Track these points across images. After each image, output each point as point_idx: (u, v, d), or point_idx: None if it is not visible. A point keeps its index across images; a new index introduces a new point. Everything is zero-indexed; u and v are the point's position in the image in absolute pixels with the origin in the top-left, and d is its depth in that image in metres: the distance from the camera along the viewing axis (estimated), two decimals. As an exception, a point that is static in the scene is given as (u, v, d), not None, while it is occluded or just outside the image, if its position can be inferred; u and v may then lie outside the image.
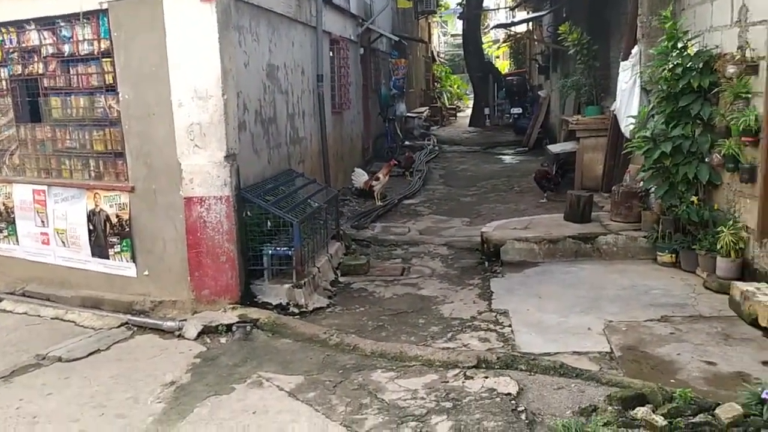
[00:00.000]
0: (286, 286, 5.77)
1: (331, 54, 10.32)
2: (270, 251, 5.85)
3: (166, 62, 5.43)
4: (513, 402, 3.88)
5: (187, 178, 5.53)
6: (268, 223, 5.91)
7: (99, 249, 6.06)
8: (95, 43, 5.78)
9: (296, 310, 5.67)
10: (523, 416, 3.70)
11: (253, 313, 5.45)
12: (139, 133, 5.68)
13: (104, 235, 5.99)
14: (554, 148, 11.46)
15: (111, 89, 5.78)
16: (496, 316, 5.53)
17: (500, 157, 16.37)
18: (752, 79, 5.58)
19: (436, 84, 30.66)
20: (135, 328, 5.48)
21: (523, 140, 17.60)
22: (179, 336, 5.24)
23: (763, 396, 3.49)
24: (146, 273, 5.85)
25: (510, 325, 5.29)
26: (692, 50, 6.41)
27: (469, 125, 23.51)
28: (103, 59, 5.77)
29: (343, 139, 11.31)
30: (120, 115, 5.75)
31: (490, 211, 9.87)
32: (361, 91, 13.28)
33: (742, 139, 5.64)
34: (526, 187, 11.37)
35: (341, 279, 6.71)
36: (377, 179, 10.41)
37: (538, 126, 16.93)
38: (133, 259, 5.89)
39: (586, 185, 9.82)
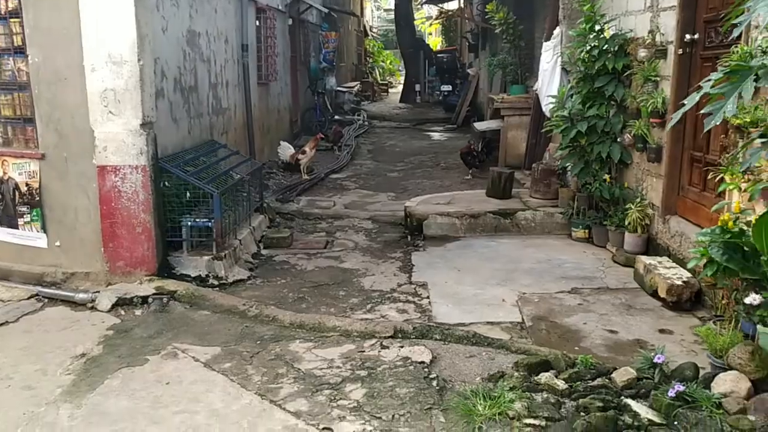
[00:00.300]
0: (206, 258, 5.70)
1: (257, 23, 10.11)
2: (189, 223, 5.76)
3: (79, 24, 5.20)
4: (426, 370, 3.99)
5: (100, 146, 5.35)
6: (188, 194, 5.80)
7: (8, 219, 5.80)
8: (2, 1, 5.46)
9: (216, 282, 5.62)
10: (434, 383, 3.81)
11: (170, 285, 5.37)
12: (49, 98, 5.43)
13: (13, 204, 5.74)
14: (480, 125, 11.67)
15: (20, 51, 5.49)
16: (415, 289, 5.65)
17: (429, 133, 16.55)
18: (661, 63, 5.84)
19: (368, 59, 30.55)
20: (46, 300, 5.30)
21: (452, 117, 17.83)
22: (92, 308, 5.11)
23: (655, 360, 3.73)
24: (58, 244, 5.65)
25: (428, 297, 5.41)
26: (608, 33, 6.63)
27: (400, 101, 23.62)
28: (11, 19, 5.46)
29: (269, 112, 11.16)
30: (29, 79, 5.48)
31: (416, 186, 10.00)
32: (289, 63, 13.10)
33: (651, 120, 5.91)
34: (453, 163, 11.56)
35: (264, 252, 6.68)
36: (303, 153, 10.35)
37: (466, 104, 17.16)
38: (44, 229, 5.68)
39: (509, 163, 10.07)
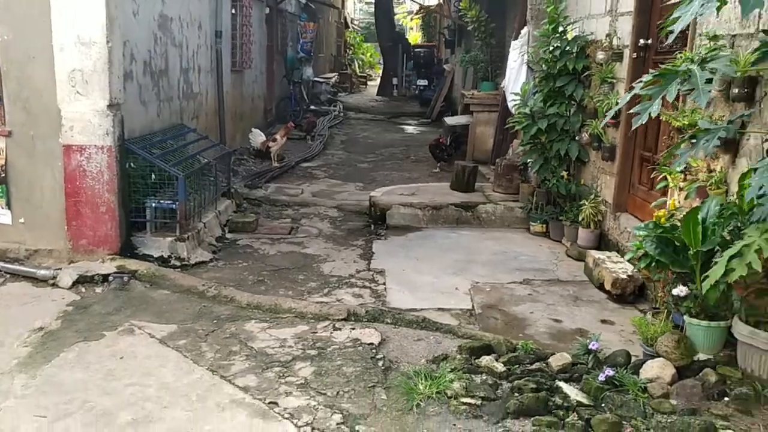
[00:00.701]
0: (169, 239, 5.80)
1: (233, 11, 10.16)
2: (153, 204, 5.85)
3: (49, 4, 5.26)
4: (374, 351, 4.15)
5: (67, 126, 5.42)
6: (153, 176, 5.89)
7: (-28, 195, 5.84)
8: (-29, -22, 5.50)
9: (177, 263, 5.73)
10: (380, 363, 3.98)
11: (132, 264, 5.47)
12: (18, 76, 5.47)
13: (-23, 180, 5.78)
14: (450, 120, 11.87)
15: (-12, 29, 5.54)
16: (373, 275, 5.81)
17: (403, 126, 16.72)
18: (617, 66, 6.06)
19: (347, 51, 30.60)
20: (8, 276, 5.37)
21: (427, 112, 18.02)
22: (53, 285, 5.19)
23: (590, 347, 3.94)
24: (22, 221, 5.71)
25: (384, 284, 5.59)
26: (571, 35, 6.85)
27: (378, 94, 23.74)
28: (-20, -3, 5.50)
29: (243, 99, 11.22)
30: (-2, 57, 5.53)
31: (385, 177, 10.15)
32: (265, 51, 13.15)
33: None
34: (423, 156, 11.73)
35: (228, 235, 6.80)
36: (274, 140, 10.45)
37: (441, 98, 17.35)
38: (9, 206, 5.73)
39: (477, 157, 10.29)
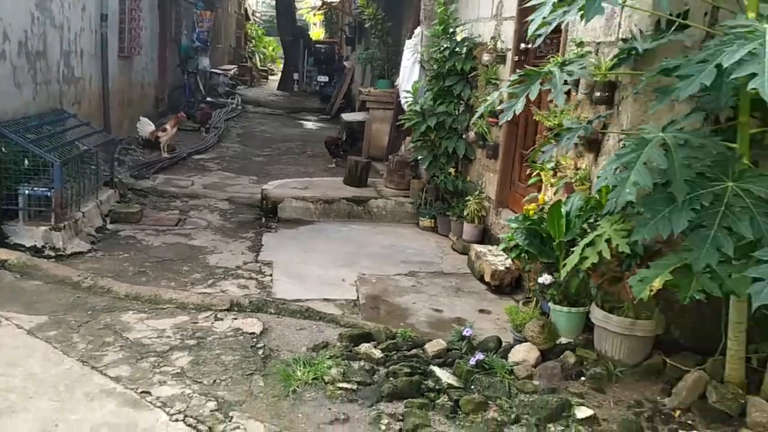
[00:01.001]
0: (43, 228, 5.53)
1: (122, -6, 9.79)
2: (27, 191, 5.56)
3: None
4: (255, 340, 4.15)
5: (-72, 105, 5.06)
6: (26, 162, 5.59)
7: None
8: None
9: (52, 254, 5.48)
10: (260, 352, 3.99)
11: (1, 253, 5.17)
12: None
13: None
14: (347, 116, 11.97)
15: None
16: (260, 267, 5.80)
17: (302, 122, 16.67)
18: (501, 68, 6.34)
19: (248, 43, 30.07)
20: None
21: (326, 108, 18.04)
22: None
23: (464, 334, 4.12)
24: None
25: (271, 275, 5.59)
26: (460, 36, 7.09)
27: (278, 89, 23.51)
28: None
29: (132, 86, 10.80)
30: None
31: (280, 171, 10.11)
32: (157, 38, 12.72)
33: (490, 120, 6.40)
34: (319, 152, 11.75)
35: (110, 226, 6.55)
36: (164, 130, 10.14)
37: (341, 95, 17.43)
38: None
39: (372, 154, 10.41)
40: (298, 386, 3.54)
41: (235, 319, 4.47)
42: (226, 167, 10.28)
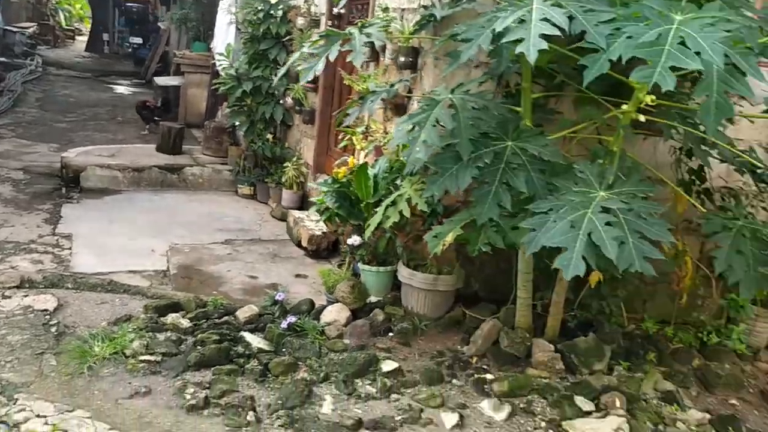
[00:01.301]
0: None
1: None
2: None
3: None
4: (47, 317, 3.82)
5: None
6: None
7: None
8: None
9: None
10: (53, 329, 3.68)
11: None
12: None
13: None
14: (161, 80, 11.32)
15: None
16: (57, 240, 5.34)
17: (113, 86, 15.50)
18: (315, 32, 6.30)
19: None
20: None
21: (141, 72, 16.92)
22: None
23: (276, 298, 4.11)
24: None
25: (70, 248, 5.18)
26: (274, -1, 6.94)
27: (86, 50, 21.61)
28: None
29: None
30: None
31: (85, 138, 9.33)
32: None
33: (305, 84, 6.35)
34: (131, 118, 11.00)
35: None
36: (-57, 91, 8.93)
37: (157, 58, 16.39)
38: None
39: (190, 120, 9.98)
40: (95, 362, 3.34)
41: (26, 296, 4.09)
42: (21, 134, 9.29)
